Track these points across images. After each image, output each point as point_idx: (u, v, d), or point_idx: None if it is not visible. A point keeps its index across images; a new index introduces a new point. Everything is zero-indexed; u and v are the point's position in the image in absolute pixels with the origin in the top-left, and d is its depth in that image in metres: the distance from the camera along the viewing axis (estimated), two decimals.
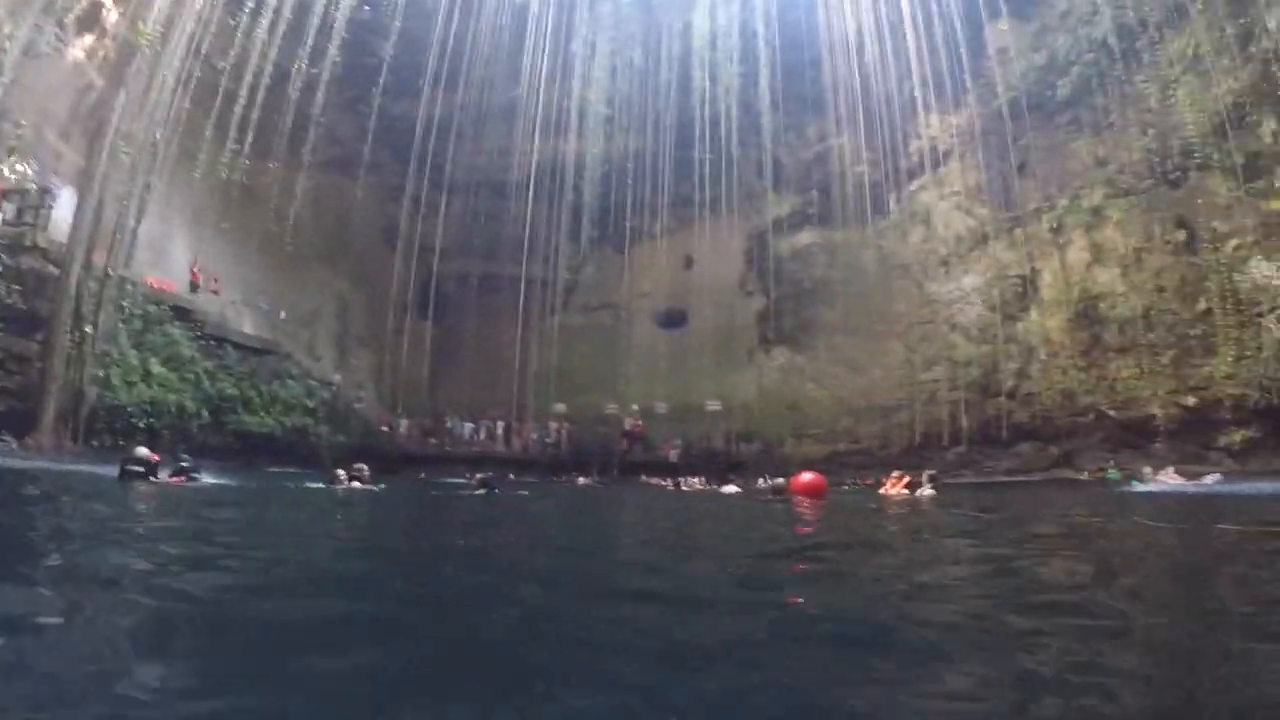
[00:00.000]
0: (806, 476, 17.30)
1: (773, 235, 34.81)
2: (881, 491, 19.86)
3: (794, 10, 34.33)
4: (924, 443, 28.52)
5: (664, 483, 28.24)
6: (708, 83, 34.87)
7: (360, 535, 8.83)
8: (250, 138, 26.55)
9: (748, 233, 36.18)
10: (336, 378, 33.25)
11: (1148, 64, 24.64)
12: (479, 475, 18.57)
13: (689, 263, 37.40)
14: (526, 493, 19.85)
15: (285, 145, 28.79)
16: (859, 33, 32.32)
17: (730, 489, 23.15)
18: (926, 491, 18.31)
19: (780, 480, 18.66)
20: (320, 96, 29.42)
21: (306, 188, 29.94)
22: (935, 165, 31.00)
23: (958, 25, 28.87)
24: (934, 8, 29.68)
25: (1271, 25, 21.24)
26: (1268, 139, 21.68)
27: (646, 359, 35.73)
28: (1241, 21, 21.98)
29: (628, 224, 35.96)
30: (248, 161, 27.04)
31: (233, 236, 28.97)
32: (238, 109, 26.42)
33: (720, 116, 34.47)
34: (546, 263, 36.49)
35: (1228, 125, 22.24)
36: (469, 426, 35.93)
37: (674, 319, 37.59)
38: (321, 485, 16.76)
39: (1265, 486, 16.00)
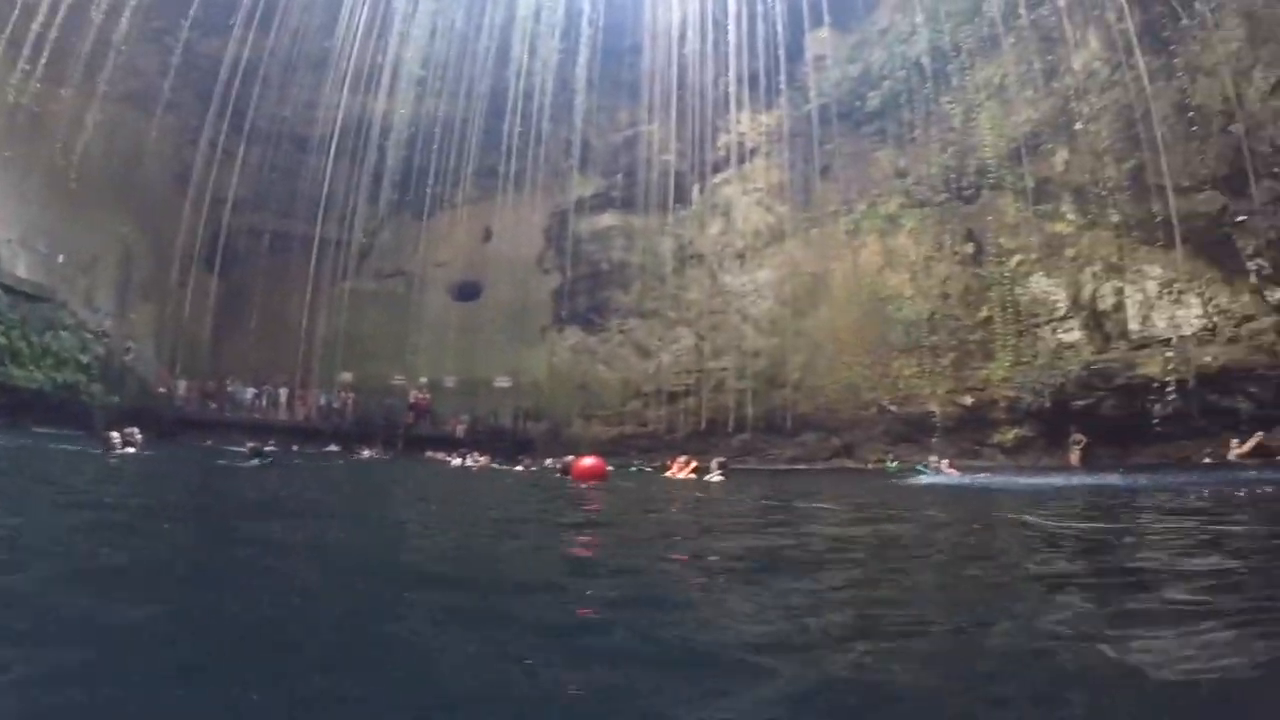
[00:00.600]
0: (588, 460, 17.45)
1: (574, 215, 34.03)
2: (667, 475, 19.87)
3: None
4: (710, 429, 28.32)
5: (449, 459, 26.64)
6: (526, 56, 33.65)
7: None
8: (44, 59, 23.89)
9: (550, 210, 35.18)
10: (109, 329, 29.57)
11: (956, 87, 25.54)
12: (253, 444, 17.85)
13: (488, 235, 35.96)
14: (301, 463, 19.20)
15: (81, 72, 25.81)
16: (683, 24, 32.13)
17: (519, 468, 23.11)
18: (715, 477, 18.40)
19: (570, 458, 18.63)
20: (124, 23, 26.59)
21: (99, 121, 27.03)
22: (741, 161, 31.06)
23: (780, 29, 29.10)
24: (759, 8, 29.81)
25: (1076, 65, 22.72)
26: (1059, 167, 22.86)
27: (437, 330, 34.02)
28: (1049, 58, 23.28)
29: (429, 190, 34.00)
30: (39, 85, 24.32)
31: (14, 167, 25.51)
32: (34, 26, 23.65)
33: (535, 91, 33.37)
34: (342, 224, 33.97)
35: (1023, 151, 23.21)
36: (251, 392, 33.15)
37: (468, 291, 36.04)
38: (86, 449, 15.84)
39: (1037, 480, 16.70)
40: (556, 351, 34.01)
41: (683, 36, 31.90)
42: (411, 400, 33.03)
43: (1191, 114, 19.33)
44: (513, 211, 33.87)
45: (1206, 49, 18.94)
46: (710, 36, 31.03)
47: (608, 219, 34.04)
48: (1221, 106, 18.59)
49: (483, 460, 25.61)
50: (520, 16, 34.17)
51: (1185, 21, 19.47)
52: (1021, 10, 23.26)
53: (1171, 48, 19.87)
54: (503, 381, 33.40)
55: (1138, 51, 20.09)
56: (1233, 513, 9.30)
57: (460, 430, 32.19)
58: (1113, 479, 15.94)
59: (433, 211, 34.86)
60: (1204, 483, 13.24)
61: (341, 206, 33.49)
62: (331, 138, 32.40)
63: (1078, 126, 22.30)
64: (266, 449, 17.79)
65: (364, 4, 32.55)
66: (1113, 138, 21.34)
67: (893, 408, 25.34)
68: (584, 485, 15.71)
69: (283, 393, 33.10)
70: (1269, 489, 11.57)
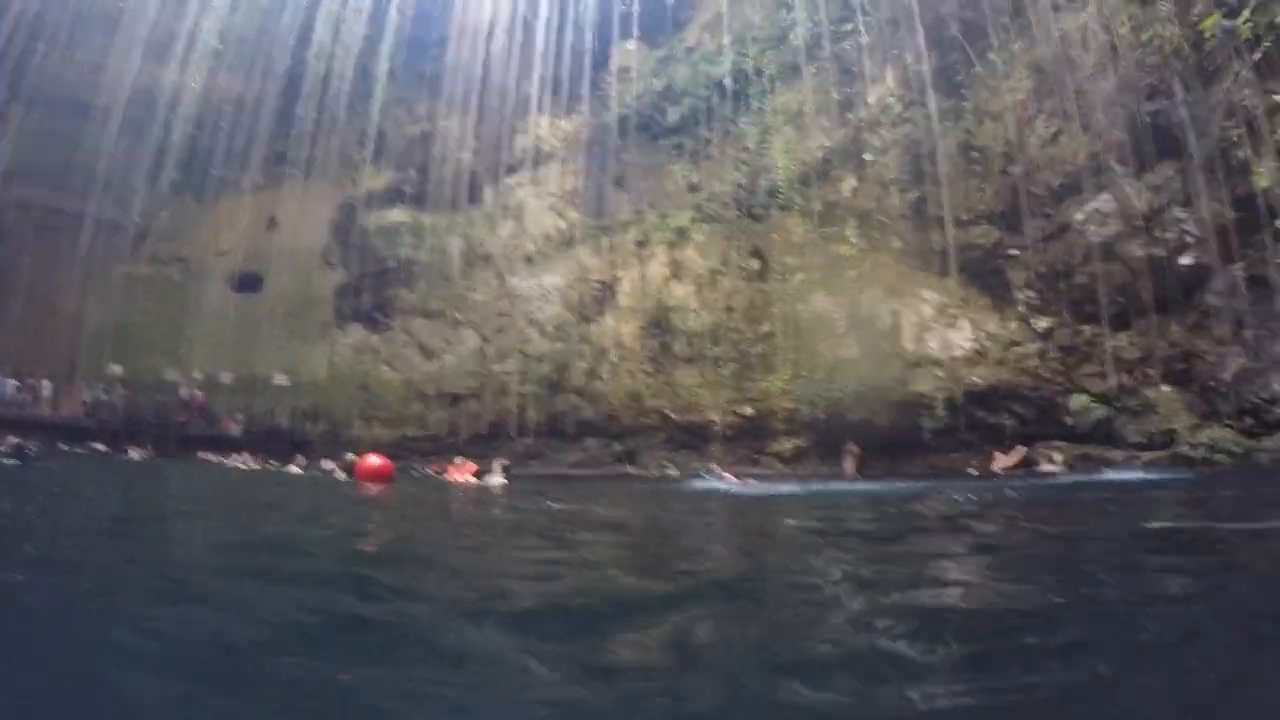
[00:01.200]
0: (373, 460, 16.96)
1: (364, 209, 32.20)
2: (448, 479, 19.29)
3: None
4: (492, 432, 27.43)
5: (223, 460, 24.70)
6: (329, 38, 31.58)
7: None
8: None
9: (339, 202, 33.00)
10: None
11: (755, 109, 25.64)
12: (13, 440, 16.70)
13: (273, 224, 33.31)
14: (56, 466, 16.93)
15: None
16: (492, 21, 31.03)
17: (293, 468, 21.97)
18: (497, 480, 18.11)
19: (352, 457, 18.25)
20: None
21: None
22: (537, 165, 30.28)
23: (589, 36, 28.60)
24: (571, 13, 29.19)
25: (871, 100, 23.87)
26: (845, 193, 23.64)
27: (215, 323, 31.52)
28: (846, 90, 24.21)
29: (214, 173, 31.31)
30: None
31: None
32: None
33: (334, 76, 31.35)
34: (120, 203, 30.97)
35: (813, 175, 23.92)
36: (11, 384, 28.76)
37: (249, 283, 33.14)
38: None
39: (814, 487, 16.62)
40: (338, 350, 32.01)
41: (490, 34, 30.79)
42: (185, 397, 30.18)
43: (975, 154, 20.55)
44: (300, 201, 31.65)
45: (995, 96, 20.27)
46: (518, 37, 30.09)
47: (397, 214, 32.28)
48: (1003, 149, 19.90)
49: (250, 463, 23.87)
50: None
51: (978, 69, 20.79)
52: (825, 43, 23.62)
53: (963, 92, 21.08)
54: (281, 379, 30.85)
55: (931, 92, 21.12)
56: (983, 513, 9.81)
57: (236, 430, 29.84)
58: (880, 486, 16.59)
59: (217, 196, 32.04)
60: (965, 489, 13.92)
61: (120, 184, 30.17)
62: (116, 108, 29.24)
63: (867, 157, 23.12)
64: (28, 448, 16.44)
65: None
66: (899, 170, 22.28)
67: (674, 416, 25.08)
68: (369, 486, 15.03)
69: (46, 386, 29.12)
70: (1018, 494, 12.26)
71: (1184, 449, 14.85)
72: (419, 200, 31.96)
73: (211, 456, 25.91)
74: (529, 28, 30.14)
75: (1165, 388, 15.71)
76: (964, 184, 20.62)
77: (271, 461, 24.52)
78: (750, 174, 25.67)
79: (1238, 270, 13.35)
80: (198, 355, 30.91)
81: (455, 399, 29.05)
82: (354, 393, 31.03)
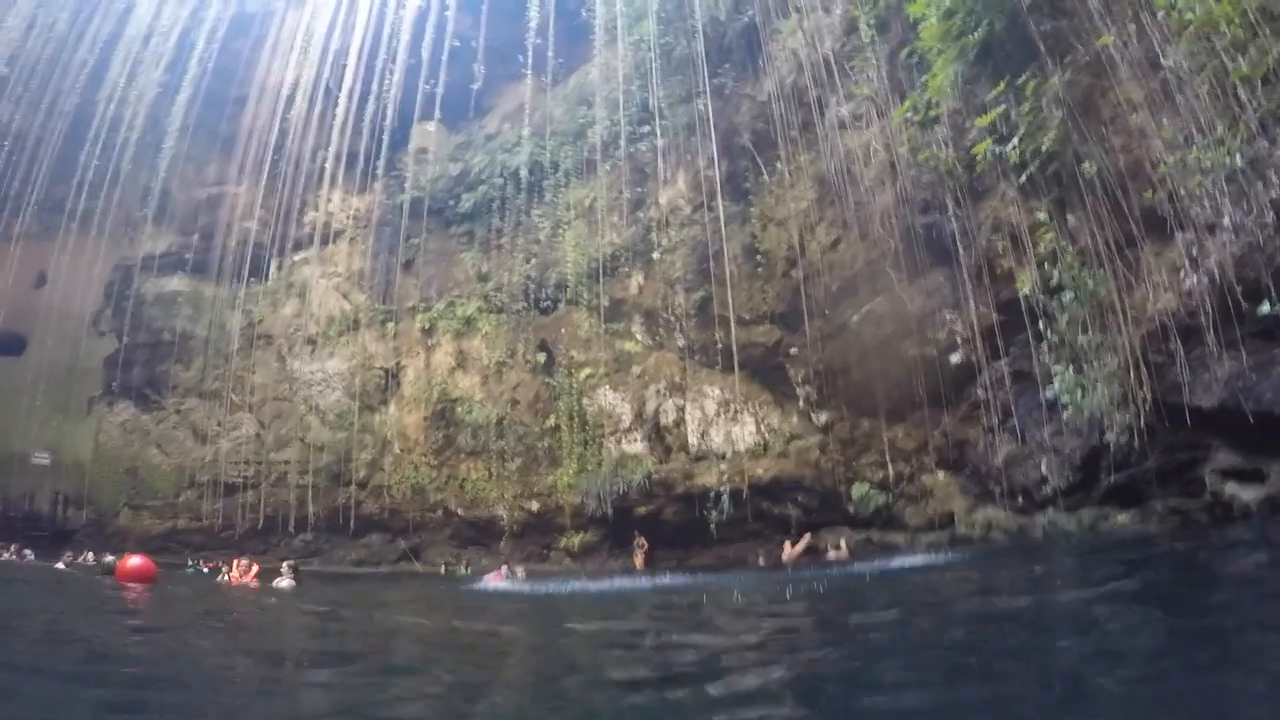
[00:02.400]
0: (135, 560, 16.19)
1: (141, 273, 30.06)
2: (226, 580, 18.68)
3: (240, 39, 30.32)
4: (269, 526, 26.07)
5: None
6: (124, 81, 29.40)
7: None
8: None
9: (115, 262, 30.74)
10: None
11: (548, 202, 25.44)
12: None
13: (41, 281, 30.45)
14: None
15: None
16: (294, 86, 29.52)
17: (60, 565, 20.38)
18: (285, 582, 17.45)
19: (110, 558, 17.42)
20: None
21: None
22: (325, 242, 29.04)
23: (389, 113, 27.69)
24: (374, 87, 28.18)
25: (662, 200, 24.45)
26: (633, 290, 23.82)
27: None
28: (638, 190, 24.63)
29: None
30: None
31: None
32: None
33: (124, 123, 29.09)
34: None
35: (602, 271, 23.94)
36: None
37: (10, 344, 30.23)
38: None
39: (603, 584, 17.32)
40: (105, 428, 29.53)
41: (291, 99, 29.29)
42: None
43: (759, 257, 21.38)
44: (74, 257, 28.63)
45: (780, 204, 21.14)
46: (319, 105, 28.80)
47: (177, 283, 30.23)
48: (786, 254, 20.67)
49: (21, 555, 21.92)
50: (128, 35, 29.91)
51: (766, 178, 21.88)
52: (622, 143, 23.60)
53: (750, 198, 21.79)
54: (41, 458, 28.41)
55: (720, 197, 21.94)
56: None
57: None
58: (669, 579, 16.55)
59: None
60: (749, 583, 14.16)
61: None
62: None
63: (655, 255, 23.45)
64: None
65: None
66: (686, 269, 22.69)
67: (460, 510, 24.28)
68: (131, 587, 14.23)
69: None
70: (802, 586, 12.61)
71: (962, 529, 15.62)
72: (200, 269, 29.88)
73: None
74: (330, 97, 28.91)
75: (941, 474, 16.47)
76: (748, 285, 21.18)
77: (26, 552, 22.15)
78: (540, 267, 25.43)
79: (1003, 366, 14.36)
80: None
81: (230, 488, 27.07)
82: (121, 477, 28.69)
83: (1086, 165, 11.50)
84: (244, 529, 26.24)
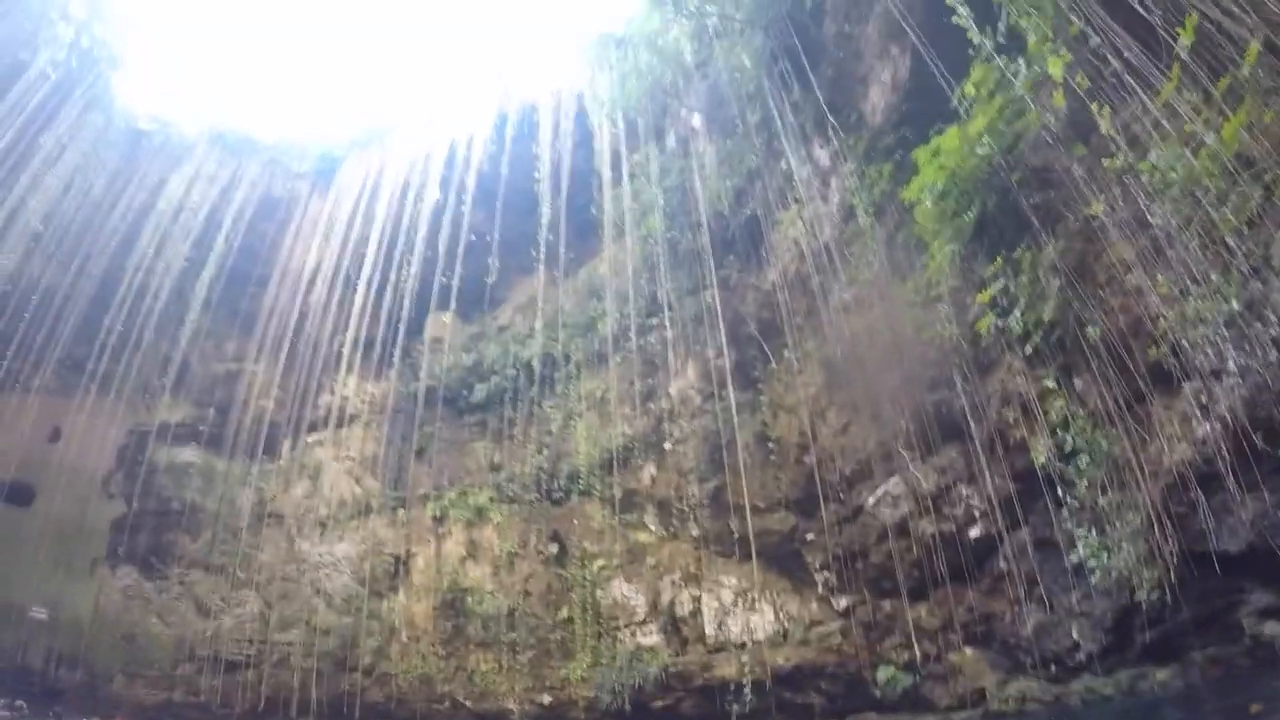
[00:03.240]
0: None
1: (155, 440, 29.67)
2: None
3: (265, 222, 31.41)
4: (269, 708, 24.90)
5: None
6: (152, 250, 29.95)
7: None
8: None
9: (130, 427, 30.42)
10: None
11: (560, 393, 25.75)
12: None
13: (56, 435, 30.09)
14: None
15: None
16: (315, 270, 30.27)
17: None
18: None
19: None
20: None
21: None
22: (339, 425, 29.03)
23: (406, 302, 28.23)
24: (392, 275, 28.84)
25: (673, 391, 24.80)
26: (645, 481, 23.79)
27: None
28: (649, 381, 24.92)
29: (5, 363, 27.73)
30: None
31: None
32: None
33: (149, 291, 29.34)
34: None
35: (615, 462, 23.96)
36: None
37: (19, 494, 29.59)
38: None
39: None
40: (107, 591, 28.50)
41: (312, 283, 30.03)
42: None
43: (771, 444, 21.50)
44: (90, 417, 28.59)
45: (789, 390, 21.55)
46: (339, 291, 29.43)
47: (189, 454, 30.00)
48: (798, 440, 20.84)
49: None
50: (159, 208, 30.52)
51: (773, 365, 22.30)
52: (632, 335, 24.12)
53: (759, 385, 22.18)
54: (40, 613, 27.47)
55: (730, 386, 22.31)
56: None
57: None
58: None
59: (2, 389, 28.46)
60: None
61: None
62: None
63: (667, 446, 23.66)
64: None
65: (11, 124, 27.07)
66: (698, 459, 22.75)
67: (468, 702, 23.31)
68: None
69: None
70: None
71: (995, 705, 14.84)
72: (214, 443, 29.84)
73: None
74: (350, 283, 29.54)
75: (968, 650, 15.84)
76: (761, 473, 21.15)
77: (19, 703, 21.85)
78: (552, 457, 25.54)
79: (1024, 535, 14.07)
80: None
81: (231, 665, 25.98)
82: (119, 643, 27.40)
83: (1089, 329, 11.65)
84: (243, 709, 25.15)
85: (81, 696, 25.48)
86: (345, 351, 28.82)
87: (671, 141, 26.40)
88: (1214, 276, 9.51)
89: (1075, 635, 13.00)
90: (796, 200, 21.46)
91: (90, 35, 29.29)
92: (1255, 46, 8.10)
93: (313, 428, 29.60)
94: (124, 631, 27.60)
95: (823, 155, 20.85)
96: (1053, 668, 13.66)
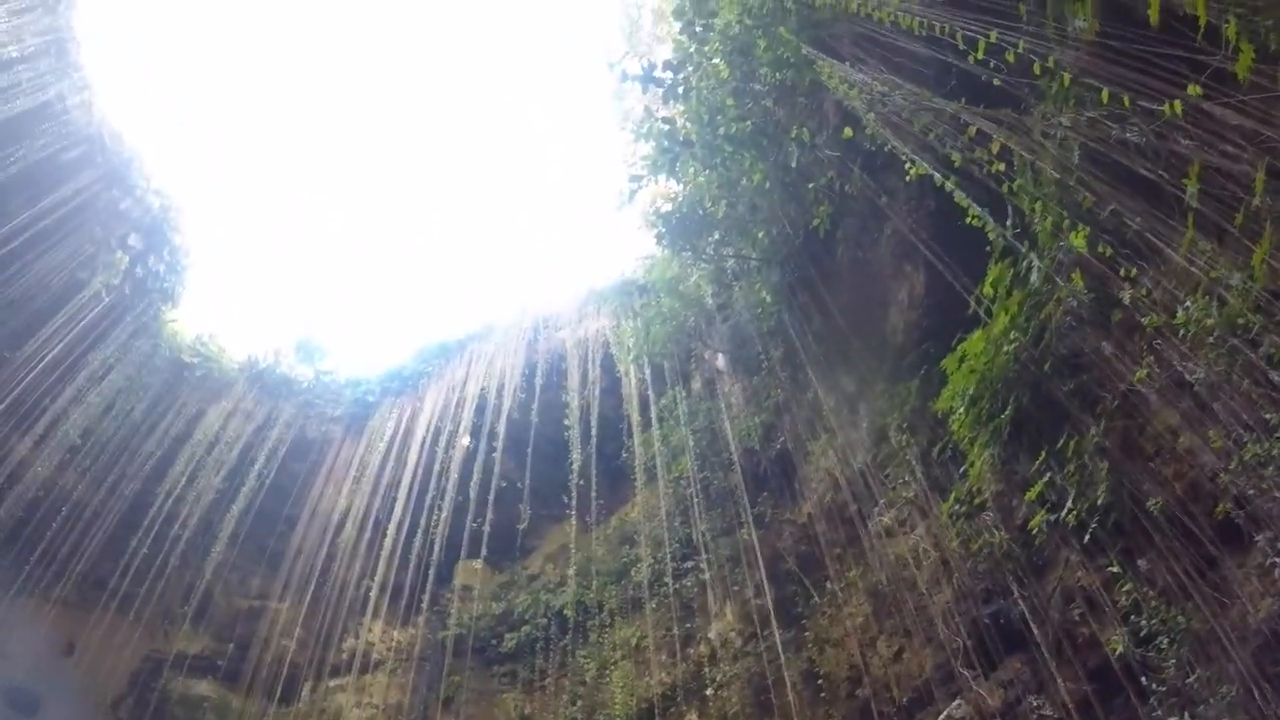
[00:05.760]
0: None
1: (170, 669, 28.90)
2: None
3: (298, 461, 31.93)
4: None
5: None
6: (185, 478, 30.25)
7: None
8: None
9: (146, 652, 29.34)
10: None
11: (593, 642, 24.76)
12: None
13: (70, 650, 28.88)
14: None
15: None
16: (346, 512, 30.32)
17: None
18: None
19: None
20: None
21: None
22: (363, 671, 27.99)
23: (436, 549, 28.00)
24: (422, 521, 28.82)
25: (712, 634, 23.93)
26: None
27: None
28: (687, 625, 24.27)
29: (26, 569, 27.31)
30: None
31: None
32: None
33: (178, 518, 29.48)
34: None
35: (655, 711, 22.94)
36: None
37: (24, 703, 27.98)
38: None
39: None
40: None
41: (342, 524, 29.94)
42: None
43: (820, 680, 20.54)
44: (106, 636, 27.70)
45: (835, 623, 20.83)
46: (368, 534, 29.27)
47: (205, 688, 29.01)
48: (848, 673, 19.89)
49: None
50: (196, 438, 31.19)
51: (816, 599, 21.67)
52: (668, 579, 23.72)
53: (803, 622, 21.67)
54: None
55: (773, 624, 21.65)
56: None
57: None
58: None
59: (21, 593, 27.57)
60: None
61: None
62: None
63: (709, 691, 22.64)
64: None
65: (63, 337, 28.28)
66: (743, 702, 21.67)
67: None
68: None
69: None
70: None
71: None
72: (232, 678, 28.90)
73: None
74: (379, 528, 29.39)
75: None
76: (810, 712, 20.02)
77: None
78: (587, 709, 24.19)
79: None
80: None
81: None
82: None
83: (1148, 503, 11.56)
84: None
85: None
86: (372, 596, 28.32)
87: (698, 383, 27.16)
88: (1268, 416, 9.59)
89: None
90: (826, 429, 21.80)
91: (145, 266, 31.28)
92: (1260, 176, 8.66)
93: (335, 672, 28.67)
94: None
95: (848, 382, 21.39)
96: None
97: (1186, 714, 11.28)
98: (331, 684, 28.71)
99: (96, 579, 28.48)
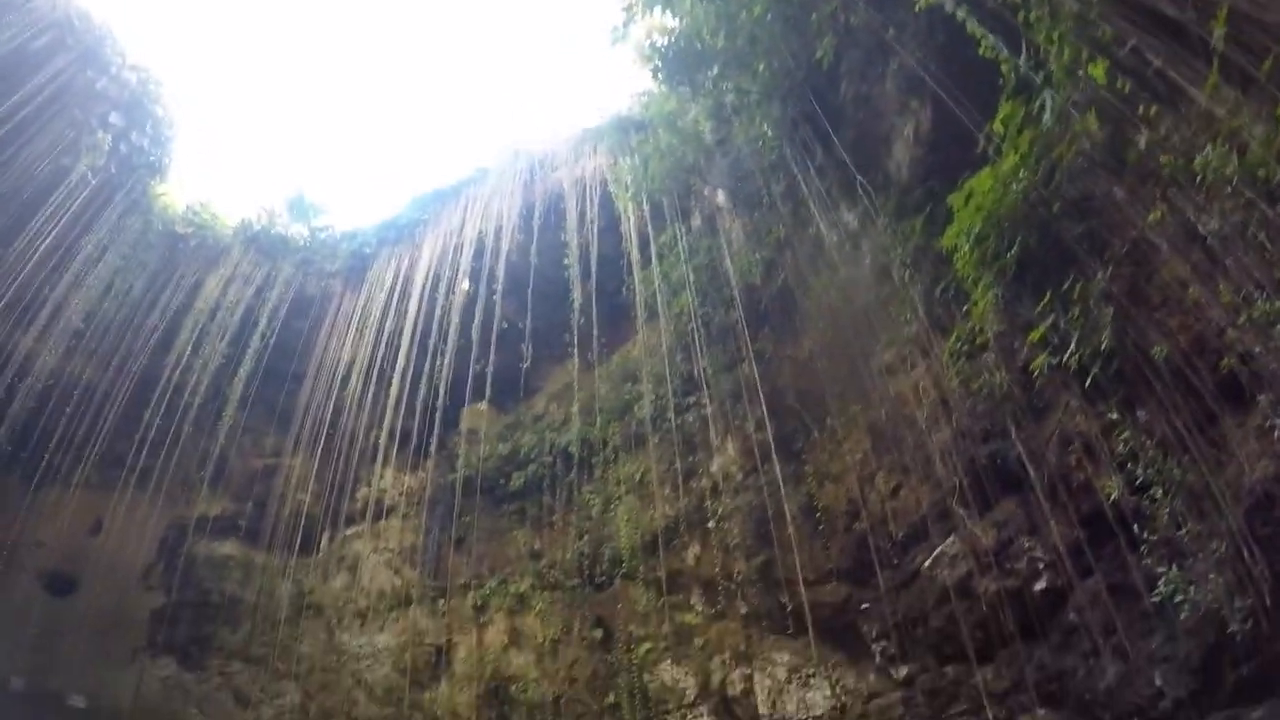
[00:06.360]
0: None
1: (194, 533, 30.08)
2: None
3: (300, 319, 32.00)
4: None
5: None
6: (190, 347, 30.64)
7: None
8: None
9: (170, 520, 30.65)
10: None
11: (598, 478, 25.21)
12: None
13: (98, 528, 30.42)
14: None
15: None
16: (350, 365, 30.38)
17: None
18: None
19: None
20: None
21: None
22: (377, 518, 28.87)
23: (442, 393, 28.10)
24: (425, 367, 28.84)
25: (714, 468, 24.32)
26: (690, 561, 23.09)
27: (17, 619, 28.34)
28: (689, 460, 24.59)
29: (48, 457, 28.03)
30: None
31: None
32: None
33: (187, 387, 29.89)
34: None
35: (659, 543, 23.49)
36: None
37: (61, 585, 30.10)
38: None
39: None
40: (146, 680, 28.55)
41: (347, 376, 30.07)
42: None
43: (819, 514, 20.94)
44: (129, 511, 28.86)
45: (834, 458, 21.05)
46: (374, 384, 29.37)
47: (229, 547, 30.37)
48: (846, 508, 20.23)
49: None
50: (197, 307, 31.31)
51: (816, 435, 21.84)
52: (670, 415, 23.82)
53: (803, 456, 21.86)
54: (78, 700, 27.56)
55: (774, 459, 21.86)
56: None
57: None
58: None
59: (45, 482, 28.47)
60: None
61: None
62: None
63: (711, 524, 23.11)
64: None
65: (54, 226, 28.02)
66: (743, 535, 22.17)
67: None
68: None
69: None
70: None
71: None
72: (253, 536, 30.00)
73: None
74: (385, 376, 29.50)
75: (1041, 711, 14.87)
76: (809, 545, 20.46)
77: None
78: (593, 542, 24.95)
79: (1096, 582, 13.34)
80: None
81: None
82: None
83: (1152, 352, 11.28)
84: None
85: None
86: (381, 444, 28.76)
87: (697, 220, 26.52)
88: (1277, 275, 9.19)
89: (1159, 682, 12.10)
90: (828, 266, 21.36)
91: (129, 143, 30.45)
92: None
93: (350, 520, 29.54)
94: None
95: (851, 218, 20.78)
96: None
97: (1175, 566, 11.42)
98: (348, 532, 29.74)
99: (115, 458, 29.07)
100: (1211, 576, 10.66)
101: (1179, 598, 11.13)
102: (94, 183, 29.74)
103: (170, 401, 29.86)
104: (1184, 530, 11.18)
